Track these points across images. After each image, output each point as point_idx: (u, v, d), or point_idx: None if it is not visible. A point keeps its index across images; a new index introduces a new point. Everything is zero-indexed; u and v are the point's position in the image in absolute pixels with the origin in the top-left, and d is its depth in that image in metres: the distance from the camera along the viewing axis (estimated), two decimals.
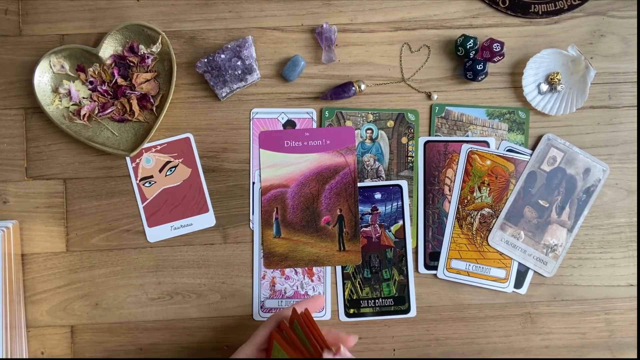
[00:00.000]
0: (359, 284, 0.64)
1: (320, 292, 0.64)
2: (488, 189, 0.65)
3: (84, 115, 0.63)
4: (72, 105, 0.63)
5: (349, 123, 0.65)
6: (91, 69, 0.64)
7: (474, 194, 0.65)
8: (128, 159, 0.64)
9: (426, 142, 0.65)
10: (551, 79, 0.64)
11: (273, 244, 0.64)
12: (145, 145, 0.64)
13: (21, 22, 0.65)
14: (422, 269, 0.64)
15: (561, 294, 0.65)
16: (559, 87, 0.64)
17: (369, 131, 0.65)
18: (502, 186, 0.65)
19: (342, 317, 0.64)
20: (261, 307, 0.64)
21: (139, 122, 0.64)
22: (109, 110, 0.63)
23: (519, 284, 0.65)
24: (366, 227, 0.64)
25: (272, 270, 0.64)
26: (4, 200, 0.64)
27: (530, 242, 0.64)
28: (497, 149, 0.65)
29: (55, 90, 0.63)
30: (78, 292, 0.64)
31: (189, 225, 0.64)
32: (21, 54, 0.64)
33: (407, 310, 0.64)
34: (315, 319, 0.64)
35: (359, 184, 0.64)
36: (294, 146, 0.64)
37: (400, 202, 0.65)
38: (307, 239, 0.64)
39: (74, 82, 0.63)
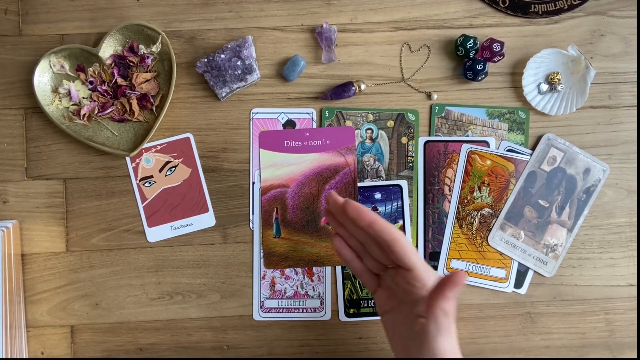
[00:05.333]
0: (359, 284, 0.64)
1: (320, 292, 0.64)
2: (488, 189, 0.65)
3: (84, 115, 0.63)
4: (72, 105, 0.63)
5: (349, 123, 0.65)
6: (91, 69, 0.64)
7: (474, 194, 0.65)
8: (128, 159, 0.64)
9: (426, 142, 0.65)
10: (551, 78, 0.64)
11: (273, 244, 0.64)
12: (145, 145, 0.64)
13: (21, 22, 0.65)
14: None
15: (561, 294, 0.65)
16: (559, 87, 0.64)
17: (369, 131, 0.65)
18: (502, 186, 0.65)
19: (342, 317, 0.64)
20: (261, 307, 0.64)
21: (139, 122, 0.64)
22: (109, 110, 0.63)
23: (519, 284, 0.65)
24: None
25: (272, 270, 0.64)
26: (4, 200, 0.64)
27: (530, 242, 0.64)
28: (497, 149, 0.65)
29: (55, 90, 0.63)
30: (78, 292, 0.64)
31: (189, 225, 0.64)
32: (21, 54, 0.64)
33: None
34: (315, 319, 0.64)
35: (359, 184, 0.64)
36: (294, 146, 0.64)
37: (400, 202, 0.65)
38: (307, 239, 0.64)
39: (73, 82, 0.63)
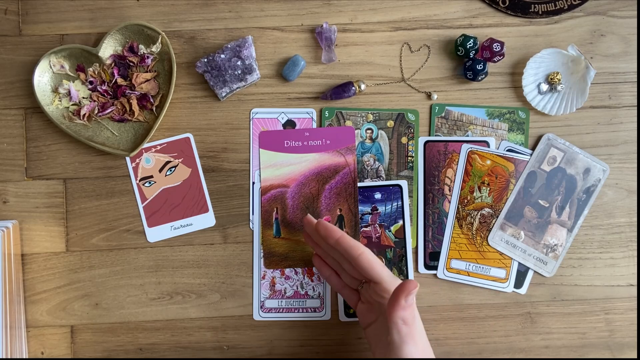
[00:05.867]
0: None
1: (320, 292, 0.64)
2: (488, 189, 0.65)
3: (84, 115, 0.63)
4: (72, 105, 0.63)
5: (349, 123, 0.65)
6: (91, 69, 0.64)
7: (474, 194, 0.65)
8: (128, 159, 0.64)
9: (426, 142, 0.65)
10: (551, 78, 0.64)
11: (273, 244, 0.64)
12: (145, 145, 0.64)
13: (21, 22, 0.65)
14: (422, 269, 0.64)
15: (561, 294, 0.65)
16: (559, 87, 0.64)
17: (369, 131, 0.65)
18: (502, 186, 0.65)
19: (342, 317, 0.64)
20: (261, 307, 0.64)
21: (139, 122, 0.64)
22: (109, 110, 0.63)
23: (519, 284, 0.65)
24: (366, 227, 0.64)
25: (272, 270, 0.64)
26: (4, 200, 0.64)
27: (530, 242, 0.64)
28: (497, 149, 0.65)
29: (55, 90, 0.63)
30: (78, 292, 0.64)
31: (189, 225, 0.64)
32: (21, 54, 0.64)
33: None
34: (315, 319, 0.64)
35: (359, 184, 0.64)
36: (294, 146, 0.64)
37: (400, 202, 0.64)
38: None
39: (73, 82, 0.63)
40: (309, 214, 0.57)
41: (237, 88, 0.64)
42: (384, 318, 0.51)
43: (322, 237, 0.53)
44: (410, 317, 0.49)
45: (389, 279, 0.51)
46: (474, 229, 0.65)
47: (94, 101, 0.63)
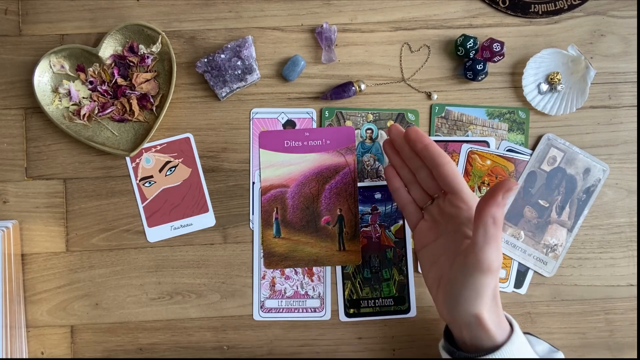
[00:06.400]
0: (359, 284, 0.64)
1: (320, 292, 0.64)
2: (488, 189, 0.65)
3: (84, 115, 0.63)
4: (72, 105, 0.63)
5: (349, 123, 0.65)
6: (91, 69, 0.64)
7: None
8: (128, 159, 0.64)
9: None
10: (551, 78, 0.64)
11: (273, 244, 0.64)
12: (145, 145, 0.64)
13: (21, 22, 0.65)
14: None
15: (561, 294, 0.65)
16: (559, 87, 0.64)
17: (369, 131, 0.65)
18: None
19: (342, 317, 0.64)
20: (261, 307, 0.64)
21: (139, 122, 0.64)
22: (109, 110, 0.63)
23: (519, 284, 0.65)
24: (366, 227, 0.64)
25: (272, 270, 0.64)
26: (4, 200, 0.64)
27: (530, 242, 0.64)
28: (497, 149, 0.65)
29: (55, 90, 0.63)
30: (78, 292, 0.64)
31: (189, 225, 0.64)
32: (21, 54, 0.64)
33: (407, 310, 0.64)
34: (315, 319, 0.64)
35: (359, 184, 0.64)
36: (294, 146, 0.64)
37: None
38: (307, 239, 0.64)
39: (73, 82, 0.63)
40: (395, 123, 0.56)
41: (237, 88, 0.64)
42: (451, 233, 0.51)
43: (412, 141, 0.53)
44: (501, 218, 0.45)
45: (469, 191, 0.51)
46: None
47: (94, 101, 0.63)
